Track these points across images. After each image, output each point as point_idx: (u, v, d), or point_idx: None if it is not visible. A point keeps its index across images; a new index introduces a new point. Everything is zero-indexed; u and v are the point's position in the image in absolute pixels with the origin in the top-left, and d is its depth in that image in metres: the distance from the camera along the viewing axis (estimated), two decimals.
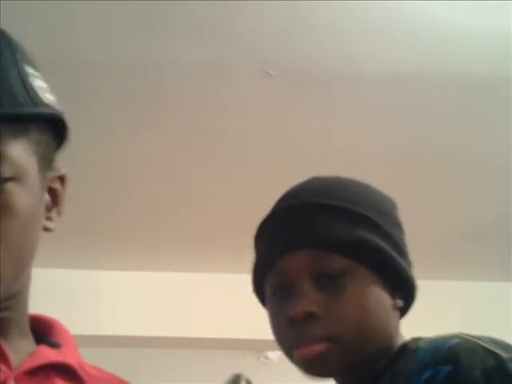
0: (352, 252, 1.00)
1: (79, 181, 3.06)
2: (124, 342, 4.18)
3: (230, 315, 4.00)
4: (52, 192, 0.87)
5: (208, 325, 4.03)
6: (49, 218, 0.86)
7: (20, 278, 0.82)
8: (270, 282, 1.04)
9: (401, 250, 1.05)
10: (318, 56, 2.50)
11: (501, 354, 0.88)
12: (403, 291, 1.05)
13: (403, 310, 1.07)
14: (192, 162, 3.11)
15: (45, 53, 2.40)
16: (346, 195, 1.04)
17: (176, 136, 2.92)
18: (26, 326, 0.86)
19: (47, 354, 0.84)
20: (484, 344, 0.90)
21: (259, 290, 1.09)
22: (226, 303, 4.02)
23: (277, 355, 4.89)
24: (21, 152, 0.80)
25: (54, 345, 0.86)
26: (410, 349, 0.99)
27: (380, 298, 1.01)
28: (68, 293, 3.88)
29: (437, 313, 3.94)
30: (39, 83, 0.85)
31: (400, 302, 1.04)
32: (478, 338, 0.92)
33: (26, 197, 0.80)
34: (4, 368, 0.77)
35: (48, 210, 0.86)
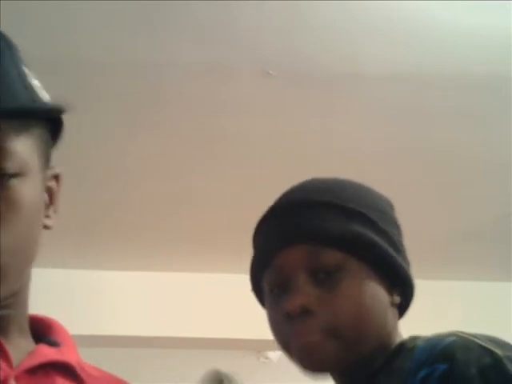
0: (347, 246, 1.00)
1: (79, 181, 3.08)
2: (124, 341, 4.18)
3: (229, 315, 4.00)
4: (49, 190, 0.87)
5: (208, 325, 4.03)
6: (47, 216, 0.87)
7: (24, 274, 0.82)
8: (267, 279, 1.05)
9: (397, 246, 1.06)
10: (318, 56, 2.50)
11: (497, 351, 0.88)
12: (401, 288, 1.05)
13: (402, 309, 1.07)
14: (192, 161, 3.11)
15: (45, 53, 2.41)
16: (342, 193, 1.05)
17: (176, 136, 2.92)
18: (26, 325, 0.86)
19: (47, 353, 0.84)
20: (480, 342, 0.90)
21: (257, 288, 1.09)
22: (225, 303, 4.02)
23: (277, 355, 4.89)
24: (25, 148, 0.80)
25: (54, 344, 0.86)
26: (407, 347, 0.99)
27: (376, 293, 1.01)
28: (68, 293, 3.88)
29: (437, 313, 3.94)
30: (36, 82, 0.85)
31: (397, 299, 1.04)
32: (475, 335, 0.92)
33: (30, 193, 0.80)
34: (4, 366, 0.77)
35: (46, 207, 0.87)
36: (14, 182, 0.78)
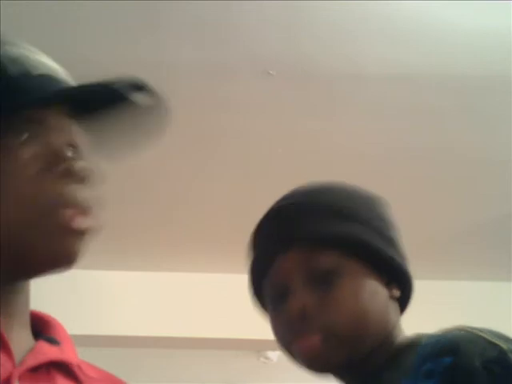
0: (340, 247, 1.02)
1: None
2: (124, 341, 4.18)
3: (230, 315, 4.00)
4: None
5: (208, 325, 4.03)
6: None
7: None
8: (266, 286, 1.06)
9: (389, 241, 1.07)
10: (318, 56, 2.50)
11: (502, 345, 0.89)
12: (398, 281, 1.06)
13: (403, 303, 1.07)
14: (192, 161, 3.11)
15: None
16: (331, 196, 1.07)
17: (175, 136, 2.92)
18: (27, 320, 0.86)
19: (48, 351, 0.84)
20: (485, 336, 0.91)
21: (257, 294, 1.10)
22: (226, 303, 4.01)
23: (277, 355, 4.89)
24: None
25: (53, 341, 0.86)
26: (412, 343, 1.00)
27: (374, 289, 1.02)
28: (68, 293, 3.88)
29: (437, 313, 3.94)
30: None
31: (397, 293, 1.05)
32: (480, 330, 0.93)
33: None
34: (8, 364, 0.77)
35: None
36: None
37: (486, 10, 2.31)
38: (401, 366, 0.97)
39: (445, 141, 3.00)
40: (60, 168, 0.79)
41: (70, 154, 0.81)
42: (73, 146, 0.82)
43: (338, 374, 1.04)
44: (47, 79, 0.84)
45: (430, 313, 3.65)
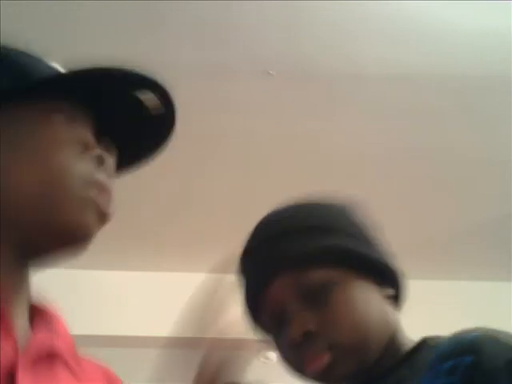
0: (322, 261, 1.02)
1: None
2: (124, 341, 4.18)
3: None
4: None
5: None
6: None
7: None
8: (263, 318, 1.08)
9: (371, 243, 1.07)
10: (318, 56, 2.50)
11: None
12: (389, 280, 1.06)
13: (398, 299, 1.08)
14: (192, 161, 3.12)
15: (44, 52, 2.41)
16: (302, 215, 1.08)
17: (176, 136, 2.92)
18: (27, 309, 0.86)
19: (48, 340, 0.84)
20: (503, 337, 0.91)
21: (255, 323, 1.12)
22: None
23: (277, 355, 4.88)
24: None
25: (50, 330, 0.86)
26: (429, 344, 1.01)
27: (368, 293, 1.03)
28: (68, 292, 3.88)
29: (437, 313, 3.94)
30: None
31: (390, 291, 1.05)
32: (498, 332, 0.94)
33: None
34: (12, 352, 0.76)
35: None
36: None
37: (486, 10, 2.31)
38: (414, 366, 0.98)
39: (445, 141, 3.00)
40: (94, 154, 0.85)
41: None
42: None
43: (351, 381, 1.04)
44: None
45: (430, 313, 3.65)
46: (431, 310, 3.80)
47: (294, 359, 1.03)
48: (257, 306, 1.08)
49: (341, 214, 1.10)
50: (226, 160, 3.11)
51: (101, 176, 0.85)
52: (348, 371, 1.00)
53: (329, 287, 1.01)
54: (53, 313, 0.90)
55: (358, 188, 3.00)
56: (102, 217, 0.85)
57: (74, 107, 0.87)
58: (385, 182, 3.19)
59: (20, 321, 0.83)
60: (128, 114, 0.93)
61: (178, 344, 1.10)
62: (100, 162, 0.85)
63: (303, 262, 1.02)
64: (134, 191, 3.31)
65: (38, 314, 0.88)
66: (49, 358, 0.83)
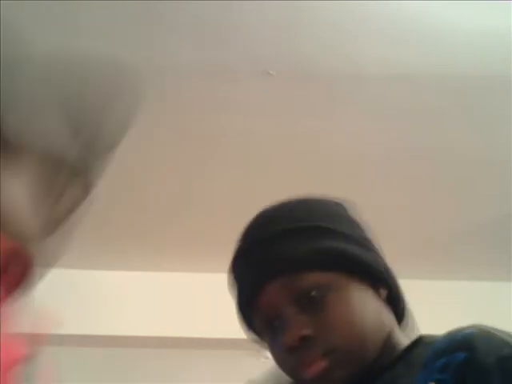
0: (315, 264, 1.01)
1: None
2: (124, 341, 4.18)
3: (230, 315, 3.99)
4: None
5: (208, 325, 4.03)
6: None
7: None
8: (257, 323, 1.07)
9: (364, 244, 1.07)
10: (318, 56, 2.50)
11: None
12: (382, 280, 1.06)
13: (394, 300, 1.07)
14: (192, 161, 3.11)
15: (44, 52, 2.41)
16: (293, 215, 1.07)
17: (176, 136, 2.92)
18: None
19: None
20: (499, 334, 0.91)
21: (250, 328, 1.11)
22: (226, 303, 4.01)
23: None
24: None
25: None
26: (424, 341, 1.01)
27: (362, 294, 1.02)
28: (68, 293, 3.88)
29: (437, 313, 3.94)
30: None
31: (384, 292, 1.05)
32: (493, 329, 0.93)
33: None
34: None
35: None
36: None
37: (486, 10, 2.31)
38: (409, 364, 0.98)
39: (445, 141, 3.00)
40: None
41: None
42: None
43: (347, 381, 1.04)
44: None
45: (430, 313, 3.65)
46: (431, 309, 3.80)
47: (290, 363, 1.02)
48: (250, 309, 1.07)
49: (335, 214, 1.09)
50: (226, 160, 3.11)
51: None
52: (345, 375, 0.99)
53: (324, 291, 1.00)
54: None
55: (358, 188, 3.01)
56: None
57: None
58: (385, 182, 3.19)
59: None
60: None
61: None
62: None
63: (297, 265, 1.01)
64: (134, 191, 3.31)
65: None
66: None
